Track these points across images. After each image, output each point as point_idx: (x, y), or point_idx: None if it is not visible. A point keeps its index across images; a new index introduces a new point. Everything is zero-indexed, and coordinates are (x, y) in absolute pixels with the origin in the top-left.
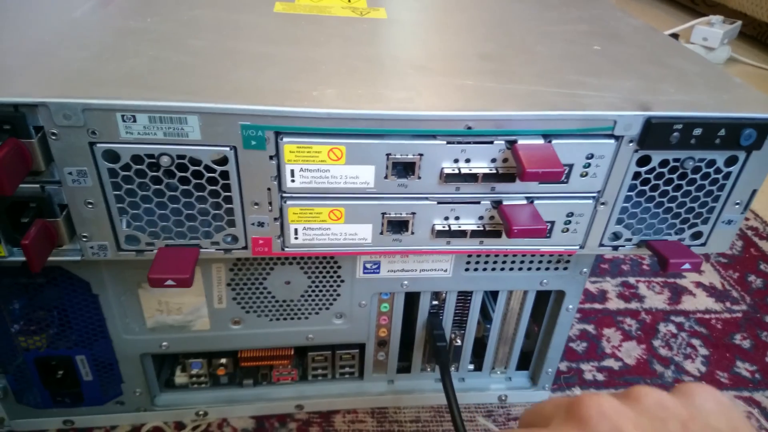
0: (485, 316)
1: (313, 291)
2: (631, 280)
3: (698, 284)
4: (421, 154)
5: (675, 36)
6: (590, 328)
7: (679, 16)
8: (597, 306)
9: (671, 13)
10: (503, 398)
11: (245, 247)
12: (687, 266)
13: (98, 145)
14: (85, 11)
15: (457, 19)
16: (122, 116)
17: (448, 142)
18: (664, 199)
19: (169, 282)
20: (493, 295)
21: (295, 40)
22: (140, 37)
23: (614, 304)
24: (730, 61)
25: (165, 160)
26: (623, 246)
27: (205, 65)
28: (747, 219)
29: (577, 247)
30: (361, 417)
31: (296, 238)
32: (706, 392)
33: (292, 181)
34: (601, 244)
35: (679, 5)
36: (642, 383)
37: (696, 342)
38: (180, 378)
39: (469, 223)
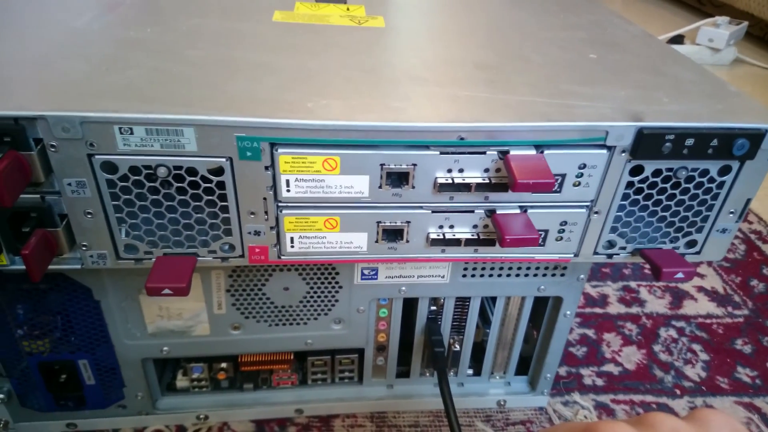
0: (485, 319)
1: (312, 297)
2: (633, 284)
3: (700, 288)
4: (414, 164)
5: (680, 37)
6: (590, 332)
7: (684, 16)
8: (598, 310)
9: (677, 14)
10: (502, 403)
11: (242, 256)
12: (680, 275)
13: (96, 156)
14: (87, 20)
15: (455, 26)
16: (119, 129)
17: (442, 153)
18: (658, 208)
19: (166, 291)
20: (493, 298)
21: (293, 50)
22: (140, 48)
23: (615, 308)
24: (736, 62)
25: (162, 171)
26: (617, 254)
27: (203, 76)
28: (750, 222)
29: (571, 256)
30: (361, 421)
31: (292, 247)
32: (722, 419)
33: (288, 190)
34: (596, 253)
35: (685, 5)
36: (642, 388)
37: (696, 347)
38: (181, 382)
39: (463, 232)
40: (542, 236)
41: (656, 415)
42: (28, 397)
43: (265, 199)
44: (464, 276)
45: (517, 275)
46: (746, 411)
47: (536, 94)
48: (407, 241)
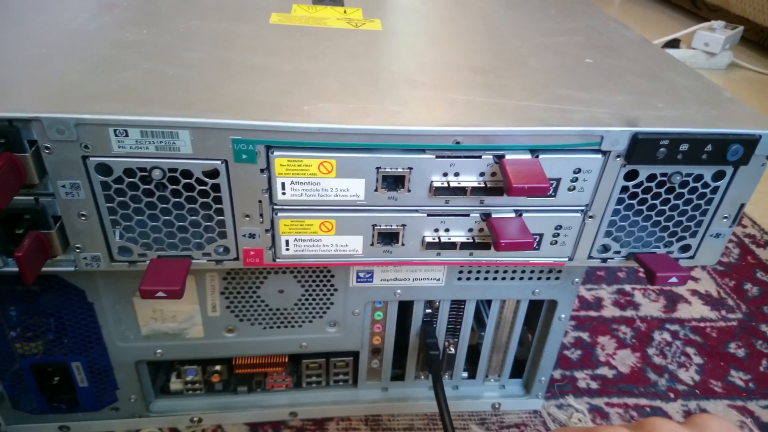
0: (480, 322)
1: (307, 299)
2: (627, 287)
3: (694, 292)
4: (410, 168)
5: (676, 41)
6: (585, 335)
7: (681, 20)
8: (592, 313)
9: (673, 18)
10: (497, 406)
11: (236, 258)
12: (674, 279)
13: (91, 158)
14: (83, 22)
15: (452, 30)
16: (114, 131)
17: (437, 156)
18: (652, 213)
19: (160, 294)
20: (488, 301)
21: (290, 53)
22: (136, 50)
23: (609, 311)
24: (731, 66)
25: (157, 174)
26: (612, 258)
27: (199, 78)
28: (744, 226)
29: (566, 260)
30: (355, 424)
31: (287, 250)
32: (720, 424)
33: (283, 193)
34: (590, 257)
35: (681, 10)
36: (636, 392)
37: (690, 350)
38: (175, 384)
39: (458, 235)
40: (537, 240)
41: (655, 420)
42: (21, 399)
43: (260, 201)
44: (459, 279)
45: (512, 278)
46: (739, 414)
47: (532, 99)
48: (403, 245)
